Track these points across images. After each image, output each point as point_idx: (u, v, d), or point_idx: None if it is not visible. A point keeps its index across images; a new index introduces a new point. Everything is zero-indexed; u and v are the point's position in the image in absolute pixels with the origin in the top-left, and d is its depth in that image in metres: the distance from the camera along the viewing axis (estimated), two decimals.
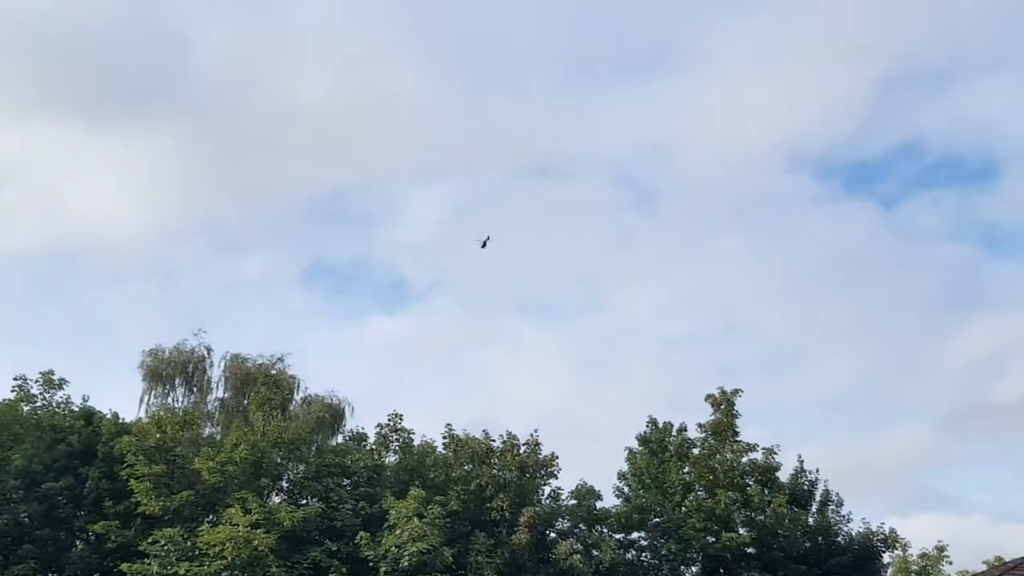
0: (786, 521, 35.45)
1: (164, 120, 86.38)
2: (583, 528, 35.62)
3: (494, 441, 35.62)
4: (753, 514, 35.96)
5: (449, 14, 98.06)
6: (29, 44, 79.66)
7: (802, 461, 38.07)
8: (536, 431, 36.09)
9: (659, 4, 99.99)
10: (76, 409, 38.35)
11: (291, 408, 41.06)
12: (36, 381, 38.31)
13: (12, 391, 37.75)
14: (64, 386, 38.69)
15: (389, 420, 36.65)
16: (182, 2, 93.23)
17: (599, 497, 36.37)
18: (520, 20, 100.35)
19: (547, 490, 35.91)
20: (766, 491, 36.27)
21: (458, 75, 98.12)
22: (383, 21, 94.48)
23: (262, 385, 39.04)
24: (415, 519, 30.52)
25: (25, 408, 37.74)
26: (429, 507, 31.22)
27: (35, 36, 78.85)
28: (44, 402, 38.35)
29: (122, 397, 48.07)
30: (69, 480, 35.11)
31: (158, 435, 33.73)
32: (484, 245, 36.71)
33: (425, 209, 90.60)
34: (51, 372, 38.69)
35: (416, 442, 36.36)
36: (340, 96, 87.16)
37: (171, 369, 44.35)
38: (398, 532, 30.49)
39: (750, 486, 36.19)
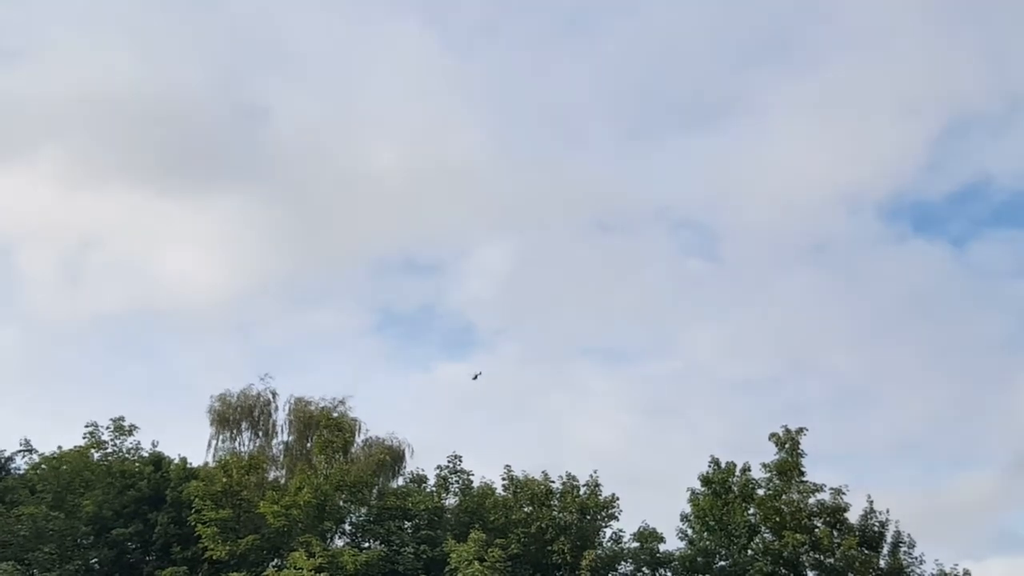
0: (857, 564, 34.38)
1: (244, 184, 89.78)
2: (646, 572, 35.19)
3: (553, 483, 35.46)
4: (822, 557, 34.90)
5: (511, 78, 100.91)
6: (118, 114, 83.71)
7: (871, 501, 36.95)
8: (595, 472, 35.95)
9: (718, 60, 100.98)
10: (146, 455, 39.08)
11: (353, 451, 41.26)
12: (107, 428, 39.18)
13: (83, 438, 38.63)
14: (134, 432, 39.54)
15: (449, 462, 36.80)
16: (263, 75, 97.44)
17: (662, 540, 35.91)
18: (580, 79, 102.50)
19: (608, 532, 35.65)
20: (835, 533, 35.22)
21: (521, 135, 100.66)
22: (449, 89, 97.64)
23: (324, 428, 39.41)
24: (476, 563, 30.40)
25: (96, 455, 38.49)
26: (490, 550, 31.05)
27: (123, 108, 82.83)
28: (115, 448, 39.17)
29: (192, 442, 48.98)
30: (139, 526, 35.70)
31: (224, 479, 34.28)
32: (475, 378, 43.61)
33: (491, 261, 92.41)
34: (121, 418, 39.53)
35: (475, 484, 36.36)
36: (410, 160, 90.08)
37: (238, 414, 44.87)
38: None
39: (818, 528, 35.15)
